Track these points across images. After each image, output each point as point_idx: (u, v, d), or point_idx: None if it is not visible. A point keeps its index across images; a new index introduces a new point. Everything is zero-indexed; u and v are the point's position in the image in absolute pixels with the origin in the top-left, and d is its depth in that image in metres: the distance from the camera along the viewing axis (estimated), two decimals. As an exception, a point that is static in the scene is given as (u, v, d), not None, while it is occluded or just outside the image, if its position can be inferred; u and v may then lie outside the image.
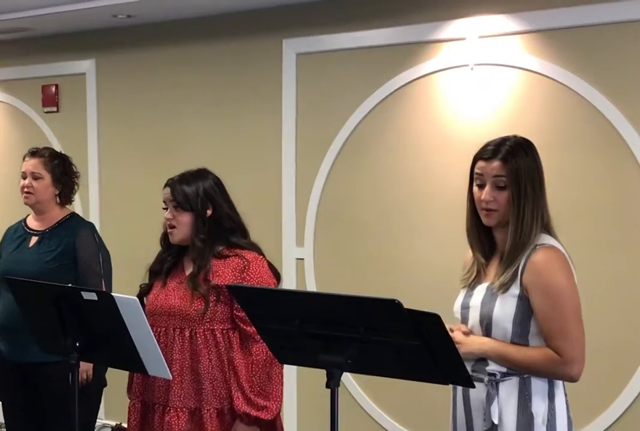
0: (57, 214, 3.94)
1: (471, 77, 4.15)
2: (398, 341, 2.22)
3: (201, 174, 3.19)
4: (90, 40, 5.53)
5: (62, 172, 3.92)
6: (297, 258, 4.74)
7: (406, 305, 2.18)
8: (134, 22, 5.20)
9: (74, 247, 3.81)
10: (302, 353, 2.40)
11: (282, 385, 3.07)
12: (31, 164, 3.89)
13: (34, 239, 3.90)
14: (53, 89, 5.72)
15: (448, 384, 2.53)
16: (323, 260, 4.68)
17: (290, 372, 4.70)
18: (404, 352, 2.23)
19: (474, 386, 2.40)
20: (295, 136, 4.72)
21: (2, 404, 4.00)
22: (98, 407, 3.99)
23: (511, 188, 2.56)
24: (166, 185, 3.17)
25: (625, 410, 3.79)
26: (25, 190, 3.88)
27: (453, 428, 2.69)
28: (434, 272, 4.28)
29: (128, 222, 5.40)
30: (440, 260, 4.25)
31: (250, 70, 4.88)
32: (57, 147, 5.64)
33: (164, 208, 3.17)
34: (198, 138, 5.11)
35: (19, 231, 3.98)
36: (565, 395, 2.61)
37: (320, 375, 2.30)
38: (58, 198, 3.94)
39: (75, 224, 3.91)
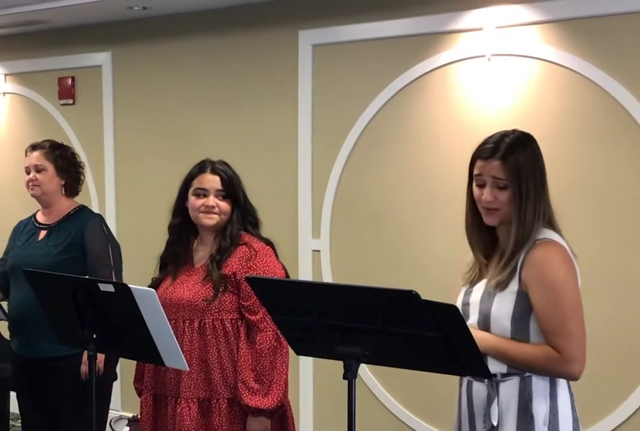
0: (64, 207, 3.94)
1: (488, 67, 4.13)
2: (415, 332, 2.21)
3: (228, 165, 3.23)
4: (106, 33, 5.53)
5: (65, 162, 3.92)
6: (313, 250, 4.73)
7: (423, 297, 2.17)
8: (150, 14, 5.20)
9: (82, 239, 3.81)
10: (319, 344, 2.39)
11: (286, 374, 3.07)
12: (33, 157, 3.91)
13: (42, 233, 3.91)
14: (69, 81, 5.72)
15: (465, 375, 2.53)
16: (339, 251, 4.67)
17: (306, 364, 4.71)
18: (421, 343, 2.23)
19: (491, 378, 2.39)
20: (311, 128, 4.71)
21: (17, 397, 4.02)
22: (109, 401, 3.99)
23: (512, 188, 2.49)
24: (212, 172, 3.14)
25: (637, 410, 3.75)
26: (31, 183, 3.90)
27: (457, 424, 2.66)
28: (450, 264, 4.26)
29: (144, 214, 5.41)
30: (457, 253, 4.20)
31: (266, 62, 4.87)
32: (73, 139, 5.67)
33: (197, 195, 3.14)
34: (213, 129, 5.11)
35: (29, 225, 3.99)
36: (571, 394, 2.53)
37: (337, 366, 2.30)
38: (64, 189, 3.94)
39: (84, 216, 3.91)
